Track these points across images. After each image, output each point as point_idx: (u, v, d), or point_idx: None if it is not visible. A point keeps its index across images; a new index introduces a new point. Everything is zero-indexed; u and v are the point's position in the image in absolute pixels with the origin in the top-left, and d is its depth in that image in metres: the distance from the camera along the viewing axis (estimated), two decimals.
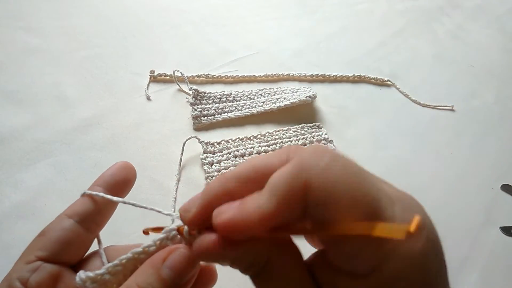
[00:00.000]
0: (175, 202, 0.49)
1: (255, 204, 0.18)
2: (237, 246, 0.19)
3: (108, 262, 0.24)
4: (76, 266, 0.25)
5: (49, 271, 0.22)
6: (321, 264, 0.20)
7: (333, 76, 0.71)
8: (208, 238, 0.19)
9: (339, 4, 0.93)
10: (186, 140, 0.53)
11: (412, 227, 0.15)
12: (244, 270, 0.20)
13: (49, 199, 0.48)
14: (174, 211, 0.48)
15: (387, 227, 0.16)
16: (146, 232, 0.24)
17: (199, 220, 0.21)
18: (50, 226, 0.25)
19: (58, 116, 0.57)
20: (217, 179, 0.21)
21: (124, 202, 0.25)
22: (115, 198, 0.25)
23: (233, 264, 0.20)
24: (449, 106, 0.69)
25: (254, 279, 0.20)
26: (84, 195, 0.26)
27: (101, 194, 0.25)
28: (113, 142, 0.55)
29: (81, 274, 0.21)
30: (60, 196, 0.48)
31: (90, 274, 0.21)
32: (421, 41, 0.85)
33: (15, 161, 0.50)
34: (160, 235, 0.22)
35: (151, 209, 0.25)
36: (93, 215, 0.25)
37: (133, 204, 0.25)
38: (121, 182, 0.27)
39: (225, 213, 0.18)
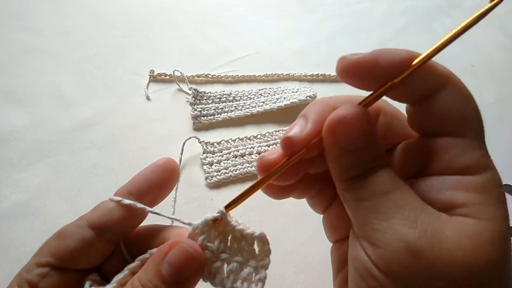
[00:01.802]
0: (174, 202, 0.48)
1: None
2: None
3: (131, 258, 0.23)
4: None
5: (59, 279, 0.21)
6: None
7: (334, 76, 0.71)
8: (350, 106, 0.20)
9: (339, 3, 0.93)
10: (186, 140, 0.53)
11: None
12: (369, 160, 0.20)
13: (49, 199, 0.48)
14: (173, 212, 0.48)
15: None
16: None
17: (311, 139, 0.21)
18: (69, 230, 0.22)
19: (57, 116, 0.57)
20: (319, 102, 0.23)
21: (153, 213, 0.23)
22: (142, 206, 0.23)
23: (366, 148, 0.20)
24: None
25: (368, 176, 0.20)
26: (110, 200, 0.23)
27: (126, 201, 0.23)
28: (112, 142, 0.55)
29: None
30: (60, 196, 0.48)
31: None
32: (421, 41, 0.85)
33: (14, 161, 0.50)
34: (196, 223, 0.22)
35: (178, 220, 0.23)
36: (118, 226, 0.23)
37: (162, 215, 0.23)
38: (156, 187, 0.24)
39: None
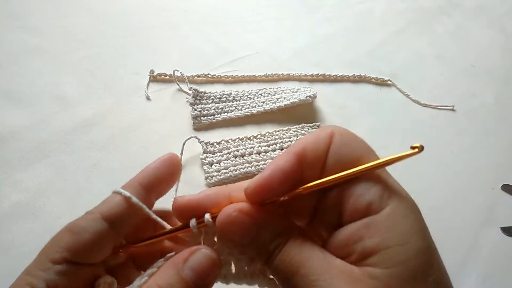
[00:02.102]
0: None
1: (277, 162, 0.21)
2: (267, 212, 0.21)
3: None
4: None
5: (79, 274, 0.22)
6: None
7: (333, 76, 0.71)
8: (241, 205, 0.21)
9: (339, 4, 0.93)
10: (186, 140, 0.53)
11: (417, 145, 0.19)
12: (268, 242, 0.20)
13: (49, 199, 0.48)
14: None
15: (396, 156, 0.19)
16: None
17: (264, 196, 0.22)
18: (82, 224, 0.22)
19: (57, 116, 0.57)
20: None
21: (152, 217, 0.24)
22: (143, 206, 0.24)
23: (258, 237, 0.21)
24: (449, 106, 0.69)
25: (276, 256, 0.20)
26: (115, 192, 0.24)
27: (128, 195, 0.23)
28: (112, 142, 0.55)
29: None
30: (60, 196, 0.48)
31: None
32: (422, 41, 0.85)
33: (14, 161, 0.50)
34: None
35: (176, 229, 0.24)
36: (129, 217, 0.23)
37: (160, 221, 0.24)
38: (163, 179, 0.25)
39: (253, 182, 0.21)
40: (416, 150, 0.19)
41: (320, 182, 0.21)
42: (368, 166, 0.20)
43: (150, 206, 0.24)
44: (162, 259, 0.22)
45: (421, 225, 0.19)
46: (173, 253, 0.22)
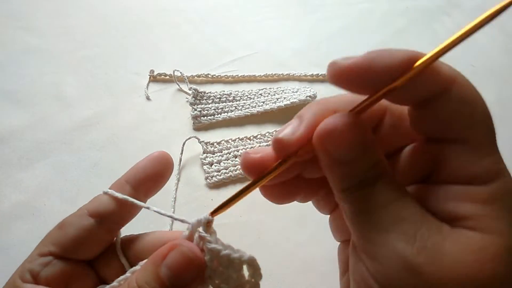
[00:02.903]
0: (174, 202, 0.48)
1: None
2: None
3: (125, 258, 0.23)
4: (93, 261, 0.24)
5: (61, 268, 0.22)
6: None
7: None
8: (340, 115, 0.19)
9: (339, 3, 0.93)
10: (186, 140, 0.53)
11: None
12: (364, 170, 0.19)
13: (49, 199, 0.48)
14: (174, 211, 0.48)
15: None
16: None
17: (303, 142, 0.20)
18: (70, 220, 0.23)
19: (57, 116, 0.57)
20: (316, 104, 0.21)
21: (146, 207, 0.24)
22: (137, 202, 0.23)
23: (358, 158, 0.19)
24: None
25: (364, 188, 0.19)
26: (105, 193, 0.24)
27: (121, 195, 0.23)
28: (112, 142, 0.55)
29: None
30: (60, 196, 0.48)
31: None
32: (422, 41, 0.85)
33: (14, 161, 0.50)
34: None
35: (174, 218, 0.23)
36: (115, 215, 0.24)
37: (155, 211, 0.23)
38: (152, 177, 0.25)
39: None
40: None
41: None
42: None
43: (135, 207, 0.24)
44: (125, 275, 0.21)
45: None
46: (136, 267, 0.21)
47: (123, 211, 0.24)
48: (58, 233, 0.23)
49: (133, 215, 0.25)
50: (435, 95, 0.19)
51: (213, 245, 0.21)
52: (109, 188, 0.24)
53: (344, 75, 0.19)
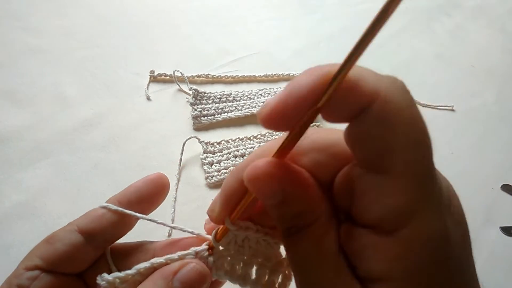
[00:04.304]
0: (175, 202, 0.49)
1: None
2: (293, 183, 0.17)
3: (116, 267, 0.23)
4: (82, 272, 0.24)
5: (50, 281, 0.22)
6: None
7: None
8: (265, 161, 0.17)
9: (339, 4, 0.93)
10: (186, 140, 0.53)
11: None
12: (288, 219, 0.18)
13: (49, 199, 0.48)
14: (174, 211, 0.48)
15: None
16: None
17: (226, 213, 0.20)
18: (59, 234, 0.23)
19: (58, 116, 0.57)
20: (231, 174, 0.20)
21: (144, 218, 0.24)
22: (137, 215, 0.24)
23: (282, 205, 0.17)
24: (449, 106, 0.69)
25: (291, 236, 0.18)
26: (101, 207, 0.24)
27: (119, 208, 0.23)
28: (113, 142, 0.55)
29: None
30: (60, 196, 0.48)
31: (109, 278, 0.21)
32: (421, 41, 0.85)
33: (15, 161, 0.50)
34: (186, 251, 0.22)
35: (173, 227, 0.24)
36: (106, 233, 0.23)
37: (154, 221, 0.24)
38: (145, 199, 0.25)
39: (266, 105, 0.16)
40: None
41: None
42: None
43: (128, 224, 0.24)
44: (146, 262, 0.21)
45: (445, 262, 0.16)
46: (159, 259, 0.21)
47: (114, 229, 0.24)
48: (45, 247, 0.23)
49: (124, 233, 0.25)
50: (356, 113, 0.15)
51: (220, 273, 0.22)
52: (100, 207, 0.24)
53: (271, 121, 0.16)
